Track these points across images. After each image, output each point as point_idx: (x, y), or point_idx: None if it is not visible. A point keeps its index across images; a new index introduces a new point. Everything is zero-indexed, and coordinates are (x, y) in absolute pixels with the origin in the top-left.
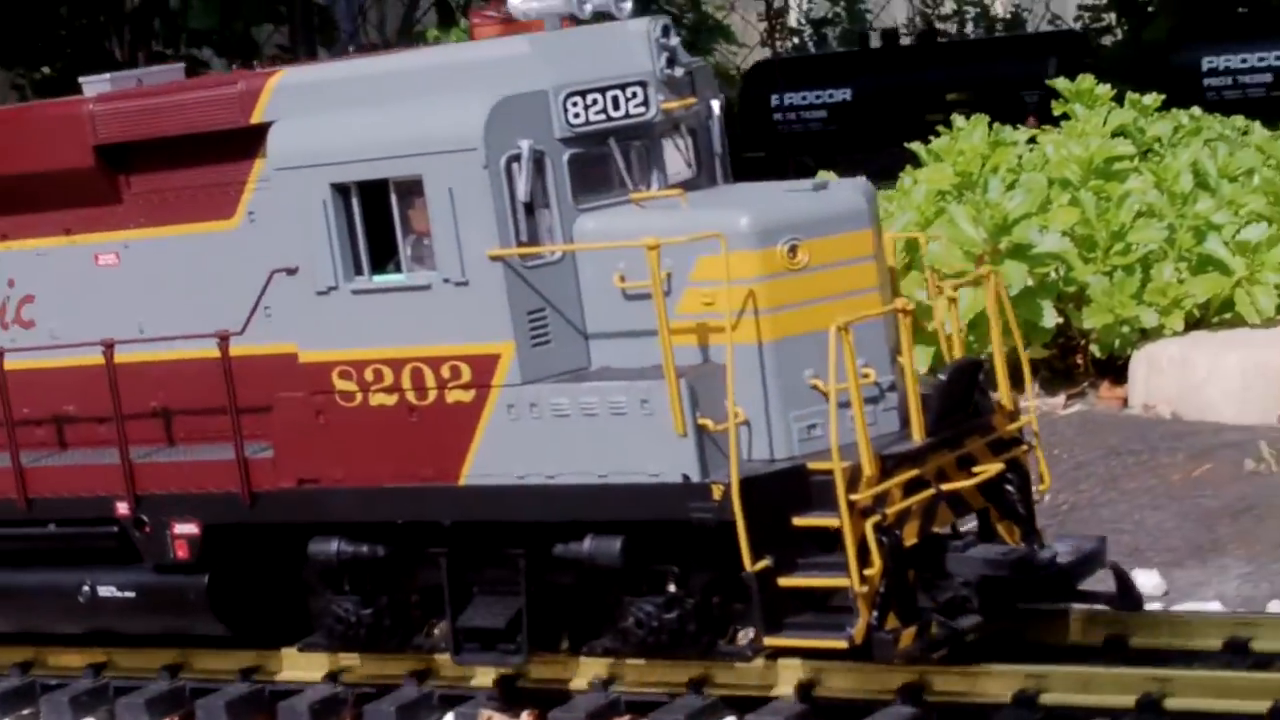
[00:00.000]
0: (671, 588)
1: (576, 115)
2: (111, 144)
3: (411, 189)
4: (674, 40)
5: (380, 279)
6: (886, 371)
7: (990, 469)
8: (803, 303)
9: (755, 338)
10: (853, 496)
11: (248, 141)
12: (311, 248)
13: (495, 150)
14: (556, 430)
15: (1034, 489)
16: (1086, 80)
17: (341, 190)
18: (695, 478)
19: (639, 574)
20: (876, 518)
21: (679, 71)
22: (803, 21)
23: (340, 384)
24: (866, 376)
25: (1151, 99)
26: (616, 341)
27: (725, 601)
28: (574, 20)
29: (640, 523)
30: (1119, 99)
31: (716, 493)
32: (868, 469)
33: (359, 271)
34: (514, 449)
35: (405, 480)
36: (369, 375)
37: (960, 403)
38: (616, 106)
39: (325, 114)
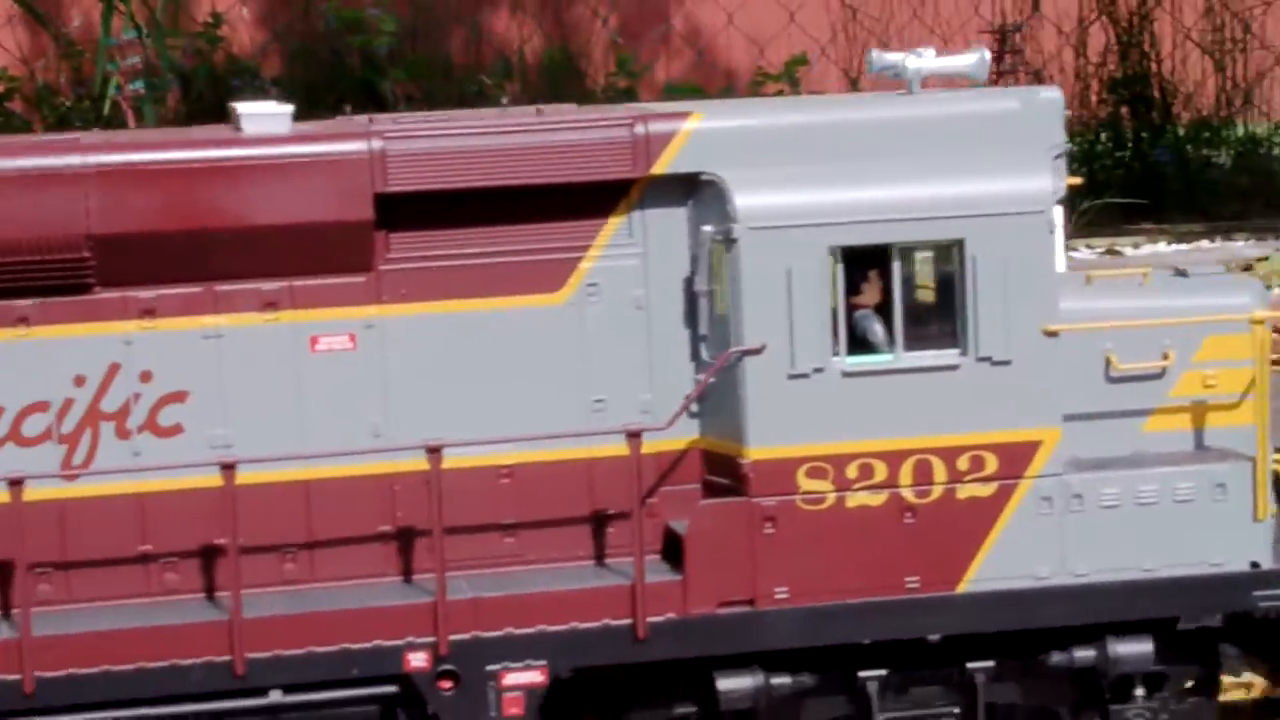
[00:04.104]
0: (1140, 692)
1: (1058, 180)
2: (399, 194)
3: (926, 254)
4: None
5: (880, 359)
6: None
7: None
8: None
9: (1257, 418)
10: None
11: (606, 197)
12: (793, 322)
13: (1052, 214)
14: (1096, 523)
15: None
16: None
17: (836, 255)
18: (1267, 563)
19: (1106, 682)
20: None
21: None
22: None
23: (808, 483)
24: None
25: None
26: (1085, 426)
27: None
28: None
29: (1159, 621)
30: None
31: None
32: None
33: (858, 349)
34: (1038, 547)
35: (879, 592)
36: (852, 472)
37: None
38: (1059, 176)
39: (782, 167)
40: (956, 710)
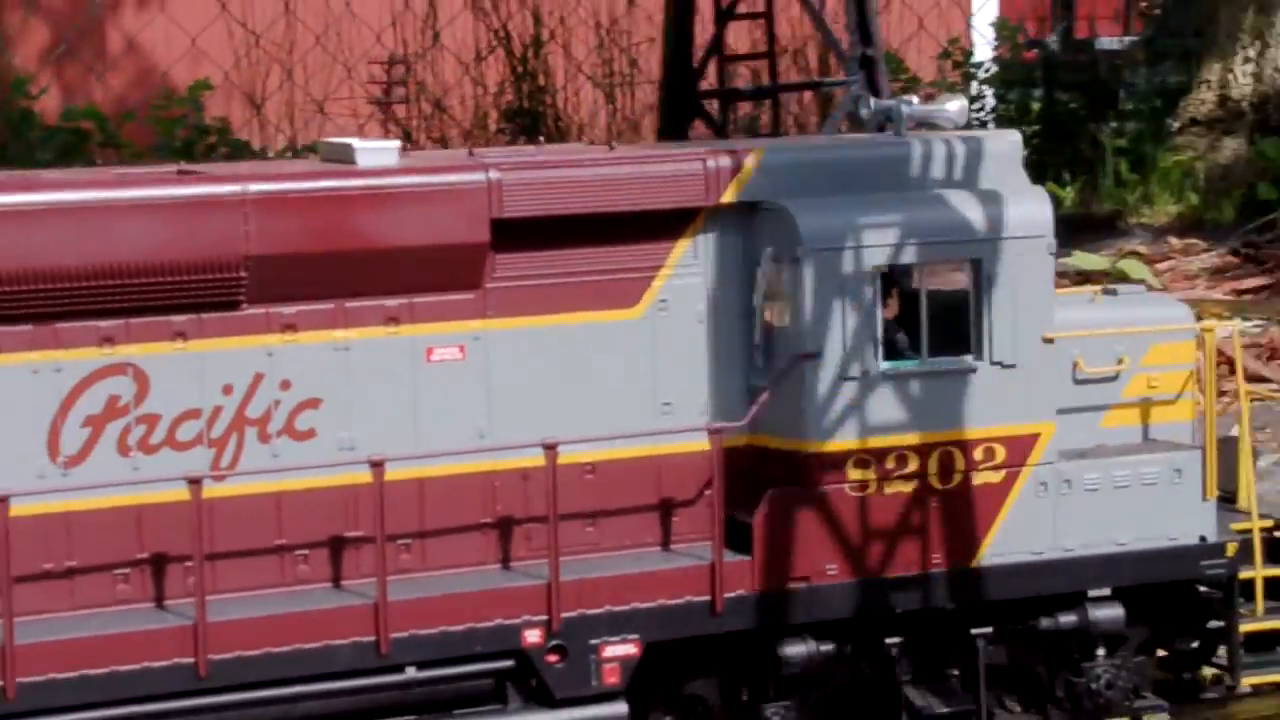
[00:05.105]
0: (1101, 652)
1: None
2: (511, 220)
3: (948, 272)
4: None
5: (912, 364)
6: None
7: None
8: None
9: (1206, 412)
10: None
11: (676, 223)
12: (845, 332)
13: (1052, 237)
14: (1082, 504)
15: None
16: None
17: (882, 274)
18: (1212, 538)
19: (1077, 642)
20: None
21: None
22: None
23: (855, 473)
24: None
25: None
26: (1061, 421)
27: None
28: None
29: (1127, 589)
30: None
31: (1231, 550)
32: None
33: (887, 356)
34: (1035, 526)
35: (912, 568)
36: (890, 462)
37: None
38: None
39: (831, 196)
40: (956, 672)
